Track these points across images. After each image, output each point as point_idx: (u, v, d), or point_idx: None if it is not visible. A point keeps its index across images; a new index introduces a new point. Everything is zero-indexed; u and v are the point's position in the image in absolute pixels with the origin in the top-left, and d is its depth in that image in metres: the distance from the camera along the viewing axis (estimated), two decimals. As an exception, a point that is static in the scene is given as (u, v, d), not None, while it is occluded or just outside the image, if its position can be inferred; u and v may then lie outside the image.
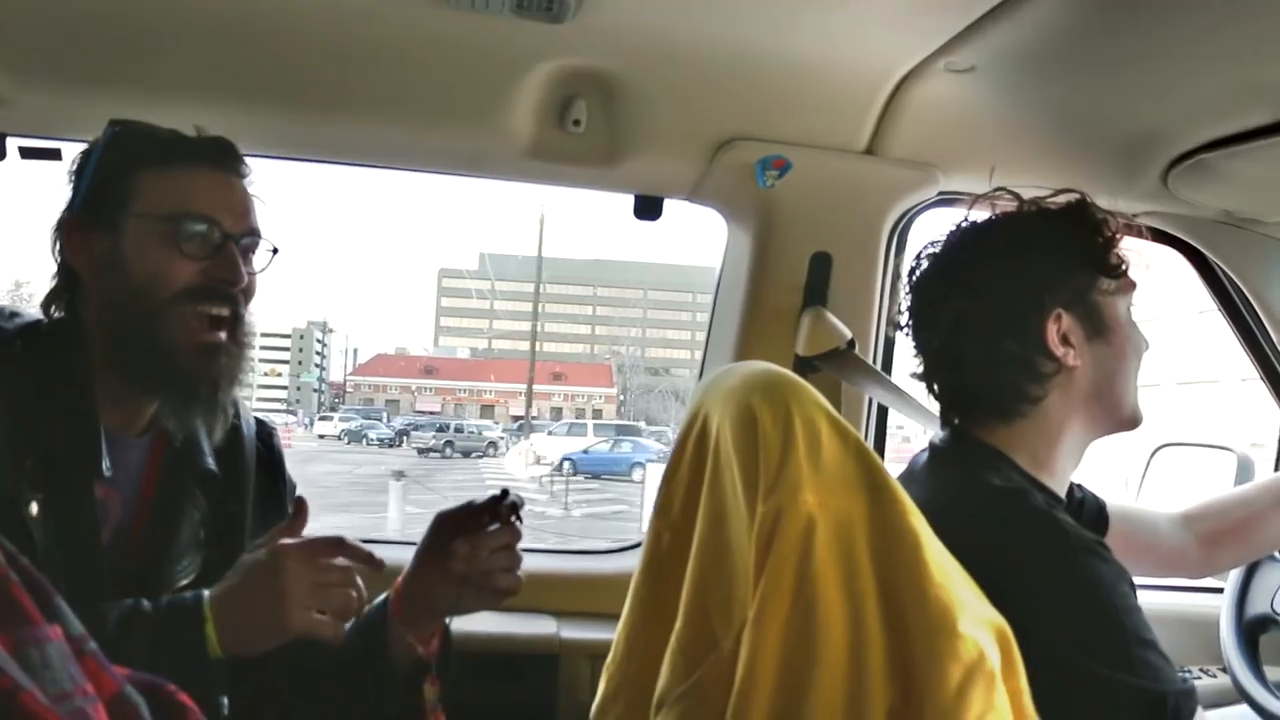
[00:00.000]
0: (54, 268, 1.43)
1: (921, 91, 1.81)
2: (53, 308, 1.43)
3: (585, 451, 26.56)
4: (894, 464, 1.35)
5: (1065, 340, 1.41)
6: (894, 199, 2.07)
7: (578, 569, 2.40)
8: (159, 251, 1.36)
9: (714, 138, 1.97)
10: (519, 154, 1.97)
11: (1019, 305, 1.41)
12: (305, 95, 1.84)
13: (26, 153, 1.97)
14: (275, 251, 1.48)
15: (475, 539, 1.47)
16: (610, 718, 1.45)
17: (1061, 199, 1.47)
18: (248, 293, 1.43)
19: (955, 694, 1.04)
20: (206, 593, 1.26)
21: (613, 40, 1.70)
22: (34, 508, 1.27)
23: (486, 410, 36.49)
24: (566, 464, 25.75)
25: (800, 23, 1.62)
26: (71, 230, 1.41)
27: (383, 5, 1.58)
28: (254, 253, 1.45)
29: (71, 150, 1.96)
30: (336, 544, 1.29)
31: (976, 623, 1.08)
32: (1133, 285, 1.47)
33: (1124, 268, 1.45)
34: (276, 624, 1.24)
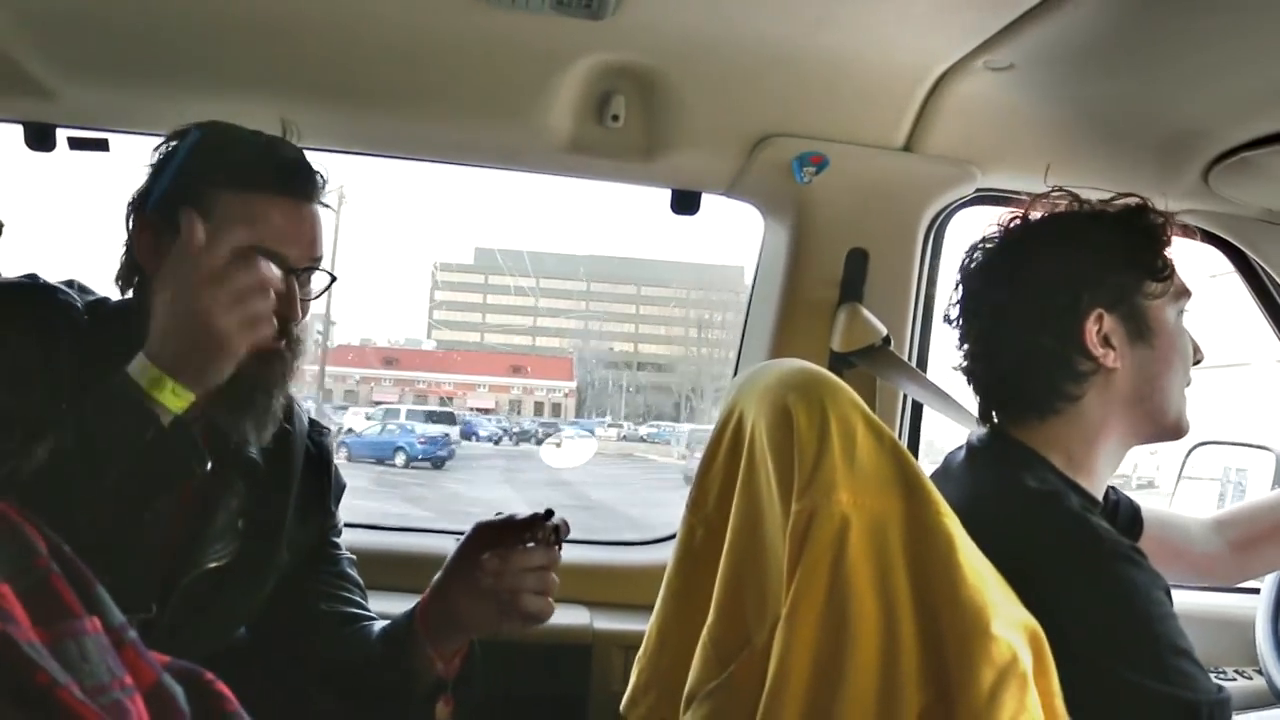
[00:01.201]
0: (122, 248, 1.45)
1: (960, 89, 1.80)
2: (124, 286, 1.45)
3: (359, 435, 25.49)
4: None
5: (1106, 341, 1.40)
6: (931, 196, 2.06)
7: (611, 560, 2.41)
8: None
9: (751, 133, 1.97)
10: (558, 148, 1.98)
11: (1058, 302, 1.41)
12: (349, 90, 1.86)
13: (75, 143, 1.99)
14: (334, 279, 1.49)
15: (507, 554, 1.42)
16: (641, 709, 1.46)
17: (1119, 203, 1.46)
18: (300, 320, 1.43)
19: (988, 696, 1.04)
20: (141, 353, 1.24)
21: (651, 36, 1.70)
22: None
23: (445, 401, 36.82)
24: (343, 449, 24.73)
25: (838, 19, 1.61)
26: (142, 227, 1.42)
27: (425, 3, 1.59)
28: (313, 278, 1.46)
29: (119, 141, 2.01)
30: (247, 259, 1.26)
31: (1009, 624, 1.08)
32: (1186, 292, 1.46)
33: (1169, 272, 1.43)
34: (214, 346, 1.23)
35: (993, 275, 1.47)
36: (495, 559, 1.41)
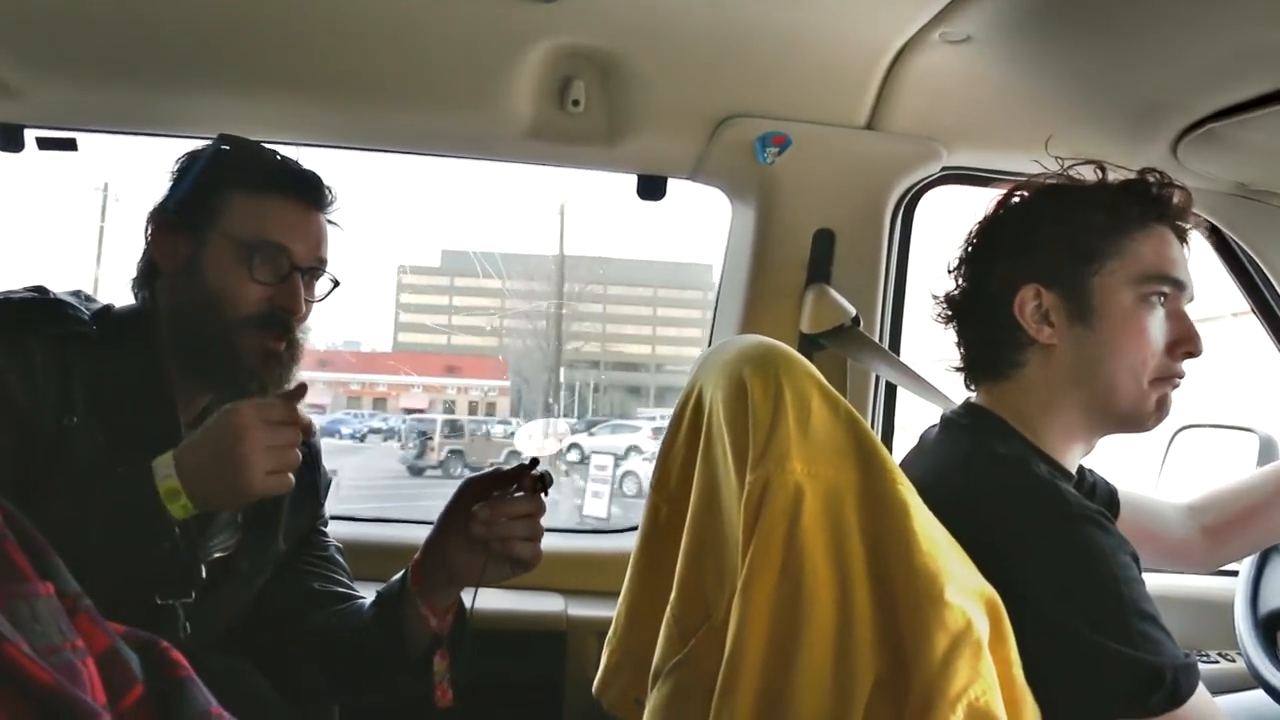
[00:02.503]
0: (141, 255, 1.55)
1: (919, 63, 1.79)
2: (139, 293, 1.55)
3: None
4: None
5: (1045, 317, 1.41)
6: (897, 174, 2.05)
7: (585, 547, 2.42)
8: (233, 271, 1.47)
9: (713, 115, 1.96)
10: (520, 135, 1.97)
11: (996, 273, 1.44)
12: (305, 81, 1.85)
13: (44, 143, 1.99)
14: (337, 284, 1.59)
15: (497, 504, 1.48)
16: (613, 691, 1.46)
17: (1090, 180, 1.46)
18: (303, 319, 1.53)
19: (941, 662, 1.04)
20: (167, 458, 1.31)
21: (607, 18, 1.69)
22: None
23: (379, 403, 37.10)
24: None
25: None
26: (161, 229, 1.52)
27: None
28: (317, 281, 1.56)
29: (86, 140, 2.00)
30: (287, 407, 1.36)
31: (964, 592, 1.08)
32: (1162, 278, 1.41)
33: (1119, 251, 1.41)
34: (235, 488, 1.30)
35: (965, 244, 1.51)
36: (486, 508, 1.47)
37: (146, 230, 1.54)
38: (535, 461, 1.50)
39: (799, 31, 1.71)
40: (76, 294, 1.54)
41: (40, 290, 1.49)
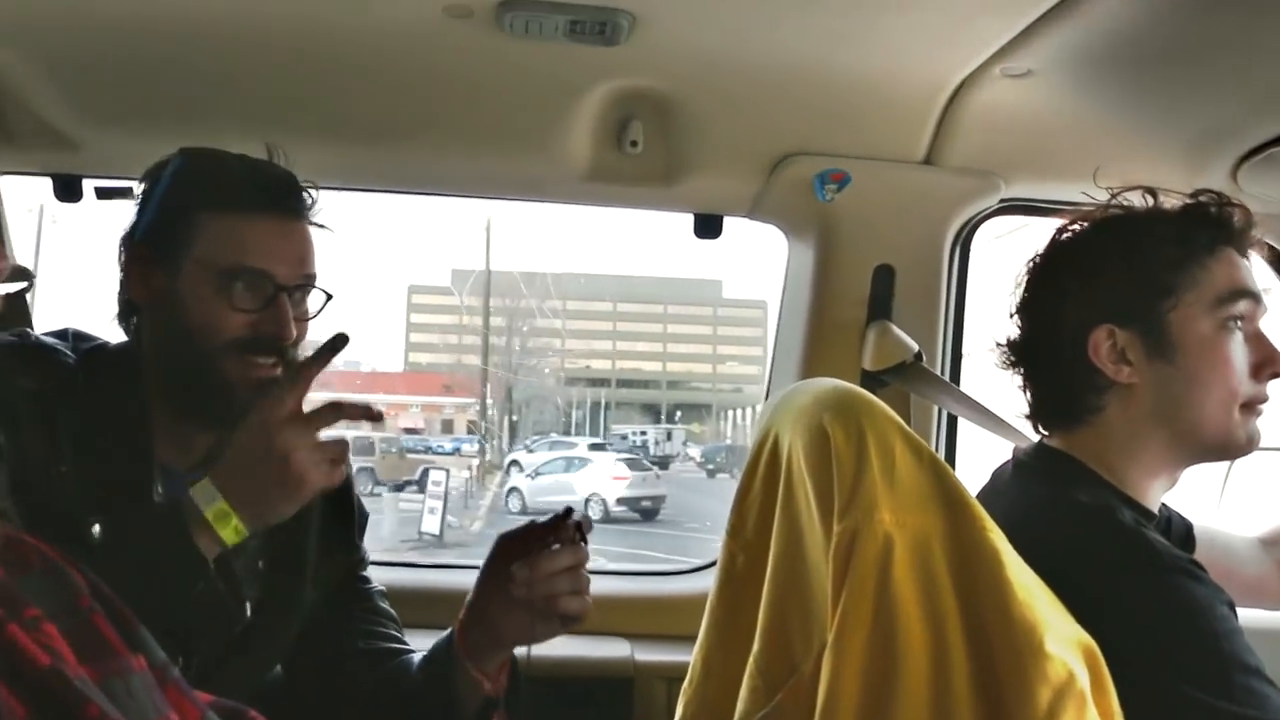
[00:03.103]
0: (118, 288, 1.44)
1: (978, 98, 1.78)
2: (121, 326, 1.45)
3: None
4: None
5: (1122, 356, 1.36)
6: (955, 208, 2.04)
7: (651, 590, 2.39)
8: (210, 301, 1.36)
9: (771, 153, 1.96)
10: (578, 177, 1.98)
11: (1067, 317, 1.39)
12: (365, 127, 1.87)
13: (102, 193, 2.01)
14: (329, 297, 1.47)
15: (536, 561, 1.39)
16: (689, 742, 1.44)
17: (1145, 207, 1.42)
18: (297, 341, 1.42)
19: (1045, 716, 1.02)
20: (205, 482, 1.25)
21: (666, 60, 1.70)
22: (97, 530, 1.28)
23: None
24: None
25: (852, 35, 1.61)
26: (132, 263, 1.41)
27: (438, 36, 1.59)
28: (307, 298, 1.44)
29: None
30: (334, 409, 1.28)
31: (1063, 642, 1.06)
32: (1235, 296, 1.36)
33: (1192, 281, 1.36)
34: (288, 489, 1.23)
35: (1027, 283, 1.45)
36: (524, 568, 1.38)
37: (119, 261, 1.43)
38: (570, 510, 1.43)
39: (858, 69, 1.71)
40: (63, 334, 1.44)
41: (21, 335, 1.42)
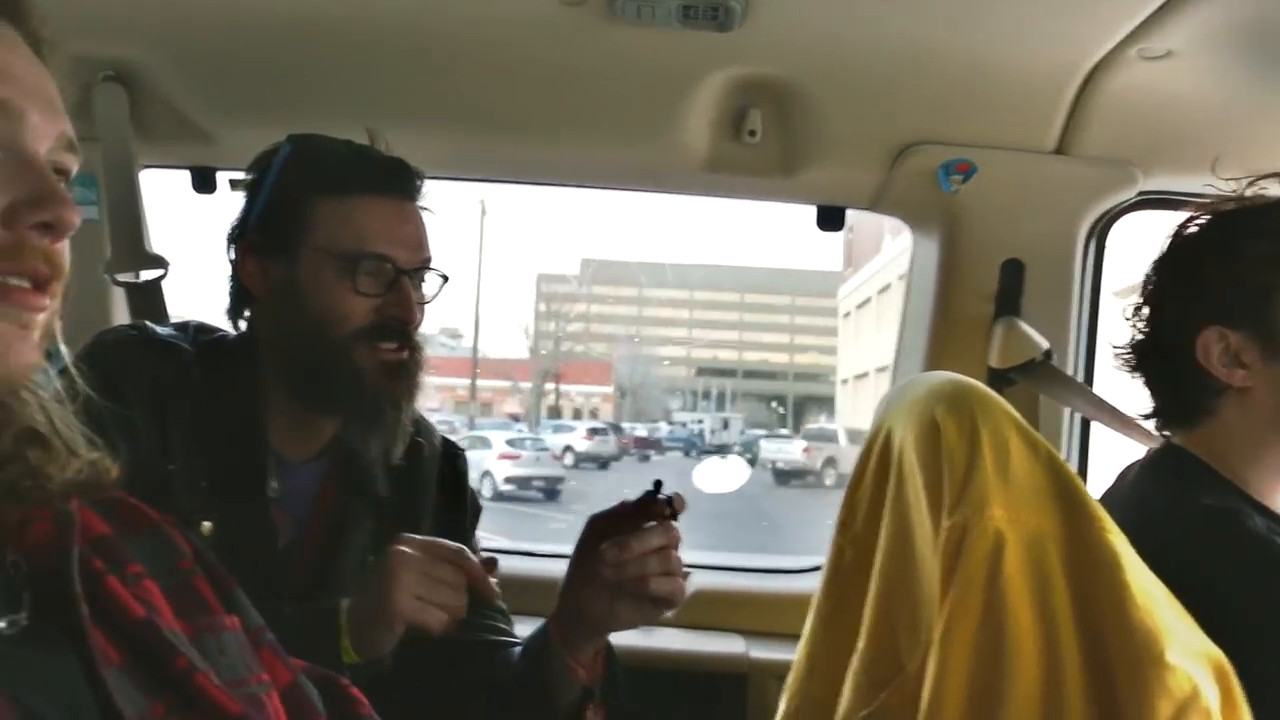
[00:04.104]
0: (229, 281, 1.45)
1: (1114, 83, 1.70)
2: (236, 319, 1.45)
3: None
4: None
5: (1236, 359, 1.28)
6: (1089, 200, 1.95)
7: (767, 587, 2.37)
8: (334, 288, 1.36)
9: (894, 143, 1.91)
10: (695, 167, 1.96)
11: (1169, 318, 1.33)
12: (481, 117, 1.89)
13: (236, 184, 2.08)
14: (446, 279, 1.46)
15: (625, 540, 1.34)
16: (792, 739, 1.41)
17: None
18: (419, 324, 1.42)
19: (1166, 731, 0.96)
20: (346, 602, 1.26)
21: (784, 46, 1.67)
22: (207, 526, 1.30)
23: (485, 408, 37.72)
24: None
25: (978, 17, 1.55)
26: (246, 253, 1.41)
27: (553, 25, 1.59)
28: (425, 281, 1.44)
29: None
30: (455, 553, 1.28)
31: (1188, 653, 1.00)
32: None
33: None
34: (385, 610, 1.22)
35: (1146, 283, 1.39)
36: (614, 548, 1.33)
37: (229, 254, 1.43)
38: (658, 485, 1.38)
39: (985, 54, 1.65)
40: (184, 326, 1.45)
41: (139, 328, 1.42)
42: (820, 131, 1.87)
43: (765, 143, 1.88)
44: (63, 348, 0.78)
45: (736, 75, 1.76)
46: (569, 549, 1.45)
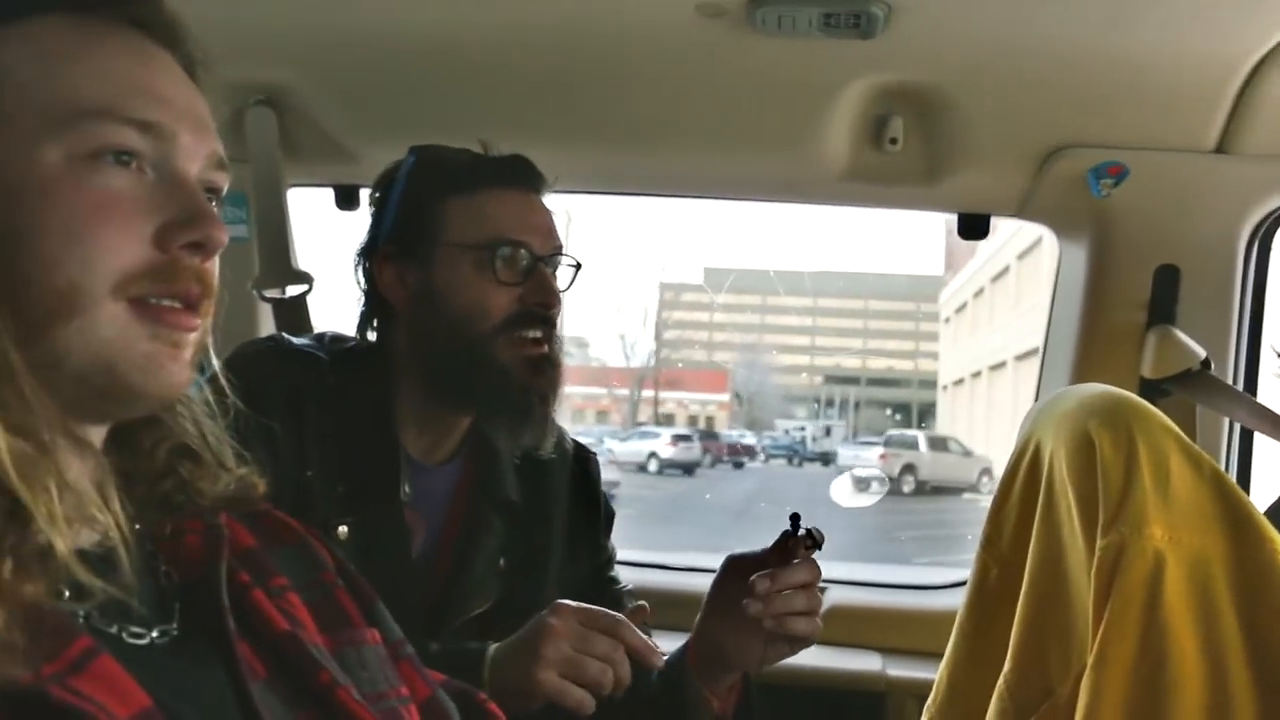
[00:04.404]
0: (360, 293, 1.47)
1: None
2: (366, 331, 1.47)
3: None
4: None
5: None
6: (1252, 202, 1.85)
7: (906, 604, 2.32)
8: (474, 281, 1.38)
9: (1040, 147, 1.84)
10: (835, 177, 1.93)
11: None
12: (620, 130, 1.90)
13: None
14: (579, 267, 1.48)
15: (775, 572, 1.33)
16: (932, 762, 1.37)
17: None
18: (558, 313, 1.43)
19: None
20: (493, 647, 1.26)
21: (927, 52, 1.63)
22: (343, 530, 1.33)
23: (602, 415, 37.51)
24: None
25: (1131, 13, 1.49)
26: (383, 262, 1.43)
27: (690, 36, 1.58)
28: (558, 270, 1.45)
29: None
30: (614, 623, 1.25)
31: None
32: None
33: None
34: (526, 683, 1.20)
35: None
36: (764, 579, 1.32)
37: (362, 270, 1.46)
38: (796, 518, 1.36)
39: (1139, 52, 1.58)
40: (319, 337, 1.49)
41: (275, 339, 1.46)
42: (964, 137, 1.82)
43: (907, 150, 1.84)
44: (214, 359, 0.81)
45: (878, 83, 1.73)
46: (703, 561, 1.44)
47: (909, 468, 22.80)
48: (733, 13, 1.51)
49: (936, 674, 1.40)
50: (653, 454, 24.70)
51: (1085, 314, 1.96)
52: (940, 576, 2.39)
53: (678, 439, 26.73)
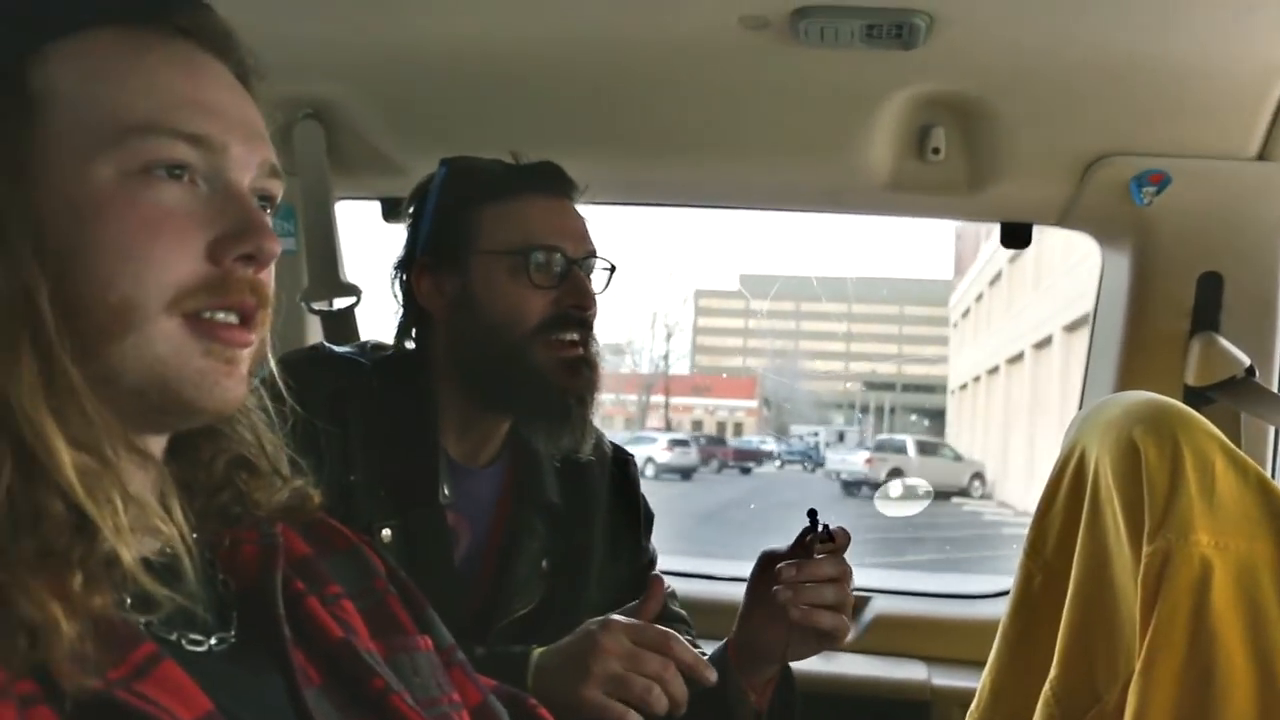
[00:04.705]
0: (397, 304, 1.50)
1: None
2: (404, 340, 1.50)
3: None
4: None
5: None
6: None
7: (951, 613, 2.32)
8: (509, 286, 1.41)
9: (1082, 156, 1.84)
10: (878, 187, 1.94)
11: None
12: (662, 143, 1.91)
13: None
14: (613, 270, 1.50)
15: (801, 562, 1.36)
16: (975, 769, 1.37)
17: None
18: (594, 316, 1.45)
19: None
20: (537, 652, 1.27)
21: (969, 62, 1.63)
22: (386, 533, 1.35)
23: (629, 423, 37.56)
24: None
25: (1178, 22, 1.49)
26: (421, 273, 1.46)
27: (734, 48, 1.60)
28: (592, 274, 1.47)
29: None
30: (664, 640, 1.24)
31: None
32: None
33: None
34: (570, 698, 1.20)
35: None
36: (790, 567, 1.36)
37: (400, 282, 1.49)
38: (813, 514, 1.39)
39: (1181, 60, 1.58)
40: (361, 345, 1.52)
41: (317, 347, 1.50)
42: (1006, 147, 1.82)
43: (949, 160, 1.84)
44: (272, 362, 0.82)
45: (920, 93, 1.73)
46: (747, 570, 1.46)
47: (895, 472, 22.62)
48: (776, 24, 1.52)
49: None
50: (649, 459, 24.47)
51: (1129, 322, 1.96)
52: (986, 585, 2.38)
53: (674, 444, 26.75)
